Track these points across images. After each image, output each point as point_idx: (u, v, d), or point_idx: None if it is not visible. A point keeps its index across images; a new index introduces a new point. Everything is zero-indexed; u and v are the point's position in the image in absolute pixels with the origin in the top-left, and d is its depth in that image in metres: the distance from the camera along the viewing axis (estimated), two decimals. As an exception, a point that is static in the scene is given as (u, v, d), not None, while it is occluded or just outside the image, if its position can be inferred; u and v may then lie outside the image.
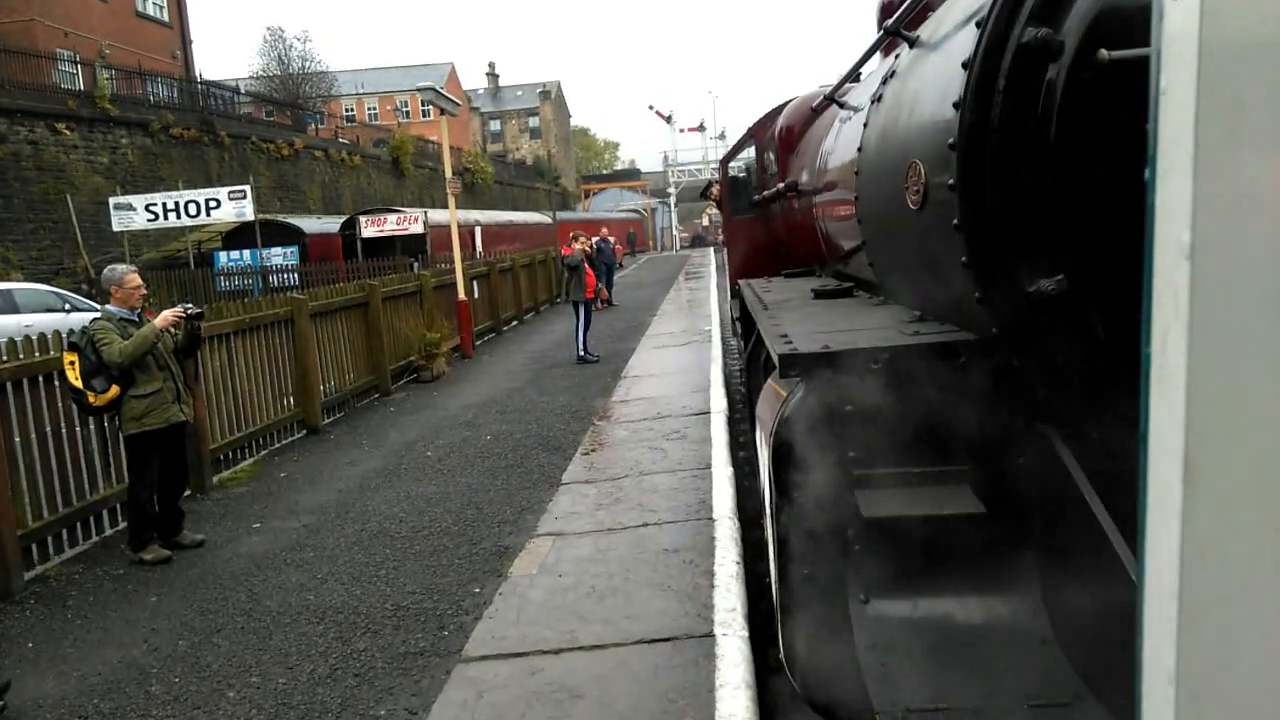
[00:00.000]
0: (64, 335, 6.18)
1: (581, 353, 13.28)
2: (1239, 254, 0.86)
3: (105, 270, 6.30)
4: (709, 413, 8.87)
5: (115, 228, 23.61)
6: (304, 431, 9.71)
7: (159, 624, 5.03)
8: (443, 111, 15.24)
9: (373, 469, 8.05)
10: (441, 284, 14.75)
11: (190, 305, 6.33)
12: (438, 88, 15.14)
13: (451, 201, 15.75)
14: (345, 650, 4.47)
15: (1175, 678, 0.91)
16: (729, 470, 6.86)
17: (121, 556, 6.12)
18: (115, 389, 5.84)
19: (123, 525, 6.52)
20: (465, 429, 9.37)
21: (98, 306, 6.80)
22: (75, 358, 5.77)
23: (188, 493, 7.22)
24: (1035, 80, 2.74)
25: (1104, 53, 2.46)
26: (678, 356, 12.94)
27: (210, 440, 7.89)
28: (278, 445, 9.20)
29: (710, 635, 4.18)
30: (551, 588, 4.98)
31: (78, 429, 6.50)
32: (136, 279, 6.15)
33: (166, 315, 6.11)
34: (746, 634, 4.19)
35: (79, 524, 6.44)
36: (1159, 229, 0.94)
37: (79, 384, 5.76)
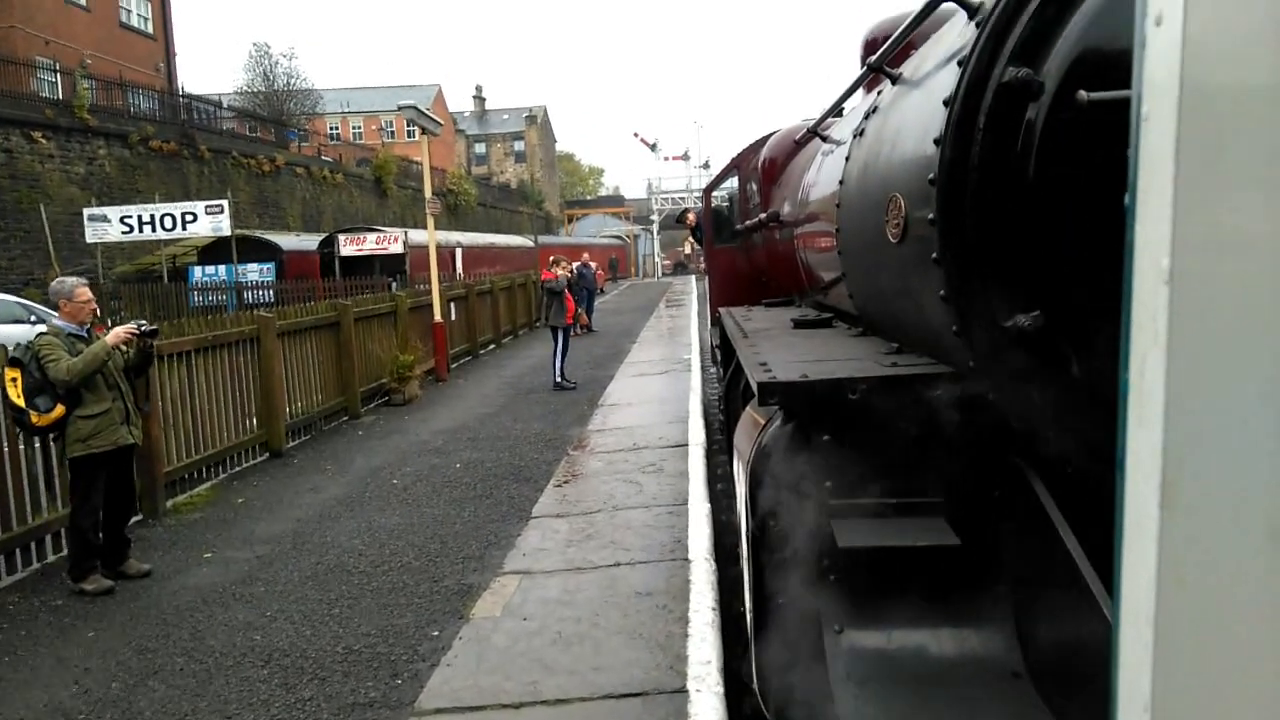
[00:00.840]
0: (8, 349, 5.87)
1: (558, 379, 13.04)
2: (1218, 279, 0.86)
3: (54, 283, 6.00)
4: (687, 445, 8.63)
5: (89, 239, 23.15)
6: (266, 455, 9.36)
7: (93, 663, 4.69)
8: (424, 130, 15.06)
9: (335, 496, 7.73)
10: (418, 305, 14.47)
11: (144, 321, 6.05)
12: (420, 107, 14.95)
13: (430, 222, 15.51)
14: (289, 699, 4.16)
15: (1150, 705, 0.90)
16: (706, 507, 6.60)
17: (62, 586, 5.77)
18: (60, 408, 5.54)
19: (65, 552, 6.17)
20: (434, 456, 9.07)
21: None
22: (18, 374, 5.47)
23: (138, 517, 6.90)
24: (1015, 119, 2.77)
25: (1083, 94, 2.47)
26: (656, 385, 12.71)
27: (165, 462, 7.55)
28: (238, 469, 8.86)
29: (683, 691, 3.92)
30: (515, 632, 4.70)
31: (21, 448, 6.17)
32: (86, 293, 5.85)
33: (118, 331, 5.82)
34: (721, 690, 3.93)
35: (18, 550, 6.09)
36: (1138, 254, 0.94)
37: (21, 402, 5.46)
